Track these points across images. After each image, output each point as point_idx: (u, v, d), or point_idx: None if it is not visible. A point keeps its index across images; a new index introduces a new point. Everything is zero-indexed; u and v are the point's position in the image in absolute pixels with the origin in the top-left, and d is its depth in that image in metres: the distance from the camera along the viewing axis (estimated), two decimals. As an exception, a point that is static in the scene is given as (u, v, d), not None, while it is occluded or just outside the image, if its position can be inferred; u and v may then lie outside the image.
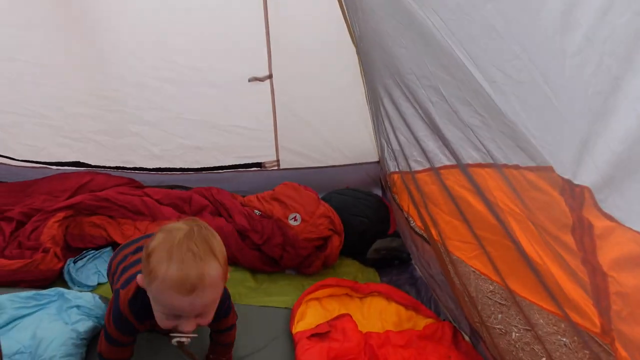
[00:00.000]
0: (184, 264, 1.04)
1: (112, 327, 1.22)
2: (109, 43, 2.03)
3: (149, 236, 1.21)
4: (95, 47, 2.04)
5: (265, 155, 2.47)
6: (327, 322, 1.69)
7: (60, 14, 1.94)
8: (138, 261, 1.27)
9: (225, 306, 1.34)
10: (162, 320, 1.12)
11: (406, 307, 1.86)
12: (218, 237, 1.16)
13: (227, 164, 2.47)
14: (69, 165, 2.37)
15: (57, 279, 1.83)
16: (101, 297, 1.63)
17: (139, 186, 2.35)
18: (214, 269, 1.09)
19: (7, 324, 1.49)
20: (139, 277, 1.15)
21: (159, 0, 1.93)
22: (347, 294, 1.90)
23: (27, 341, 1.43)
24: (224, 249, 1.15)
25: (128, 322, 1.22)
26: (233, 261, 2.05)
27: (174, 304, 1.07)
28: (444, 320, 1.80)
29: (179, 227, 1.11)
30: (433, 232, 1.71)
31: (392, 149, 2.00)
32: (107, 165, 2.40)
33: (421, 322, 1.79)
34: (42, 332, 1.44)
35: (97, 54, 2.06)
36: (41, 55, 2.03)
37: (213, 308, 1.17)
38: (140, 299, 1.17)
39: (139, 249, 1.35)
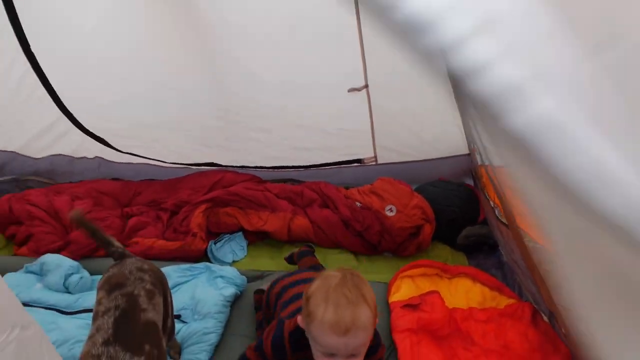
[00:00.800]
0: (339, 307, 1.15)
1: (270, 349, 1.39)
2: (233, 67, 2.43)
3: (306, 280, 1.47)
4: (223, 71, 2.45)
5: (364, 152, 2.72)
6: (419, 296, 1.93)
7: (196, 45, 2.37)
8: (298, 295, 1.45)
9: (376, 342, 1.42)
10: (319, 357, 1.24)
11: (490, 288, 2.02)
12: (368, 285, 1.25)
13: (331, 161, 2.78)
14: (205, 165, 2.87)
15: (203, 256, 2.33)
16: (239, 270, 2.06)
17: (260, 181, 2.75)
18: (365, 313, 1.17)
19: (172, 288, 1.93)
20: (299, 317, 1.28)
21: (270, 23, 2.22)
22: (437, 274, 2.12)
23: (188, 301, 1.89)
24: (374, 296, 1.24)
25: (284, 351, 1.37)
26: (338, 245, 2.40)
27: (330, 343, 1.18)
28: (525, 301, 1.94)
29: (334, 274, 1.24)
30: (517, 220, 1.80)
31: (476, 145, 2.17)
32: (233, 164, 2.86)
33: (503, 302, 1.95)
34: (198, 294, 1.89)
35: (224, 77, 2.47)
36: (182, 81, 2.47)
37: (364, 350, 1.25)
38: (300, 332, 1.29)
39: (297, 283, 1.61)
